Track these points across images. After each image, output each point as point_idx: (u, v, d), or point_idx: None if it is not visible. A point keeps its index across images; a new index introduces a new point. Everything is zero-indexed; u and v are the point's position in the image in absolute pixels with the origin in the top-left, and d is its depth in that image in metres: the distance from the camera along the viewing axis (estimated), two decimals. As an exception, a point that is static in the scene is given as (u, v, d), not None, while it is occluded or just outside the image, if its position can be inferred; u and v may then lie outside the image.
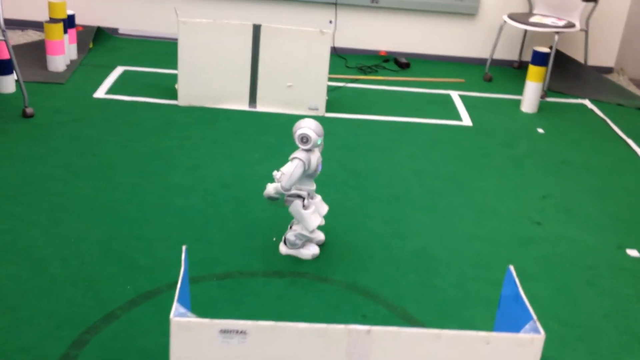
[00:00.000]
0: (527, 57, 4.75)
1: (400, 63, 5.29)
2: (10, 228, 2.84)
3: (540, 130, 4.35)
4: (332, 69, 4.96)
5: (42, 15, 4.76)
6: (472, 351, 1.69)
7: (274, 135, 3.92)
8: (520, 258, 2.97)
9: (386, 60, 5.39)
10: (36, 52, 4.73)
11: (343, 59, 5.33)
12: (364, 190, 3.41)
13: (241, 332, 1.65)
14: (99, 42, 5.23)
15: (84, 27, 5.31)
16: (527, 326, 1.75)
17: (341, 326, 1.65)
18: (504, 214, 3.31)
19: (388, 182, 3.51)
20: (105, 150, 3.59)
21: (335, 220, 3.09)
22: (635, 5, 5.48)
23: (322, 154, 3.72)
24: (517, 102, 4.75)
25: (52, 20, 4.50)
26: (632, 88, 5.33)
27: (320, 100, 4.23)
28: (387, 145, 3.94)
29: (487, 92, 4.97)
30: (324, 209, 2.87)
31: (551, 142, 4.19)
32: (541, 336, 1.69)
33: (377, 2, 5.32)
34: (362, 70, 5.14)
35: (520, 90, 4.74)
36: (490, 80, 5.20)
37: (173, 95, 4.27)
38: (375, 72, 5.12)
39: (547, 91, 4.95)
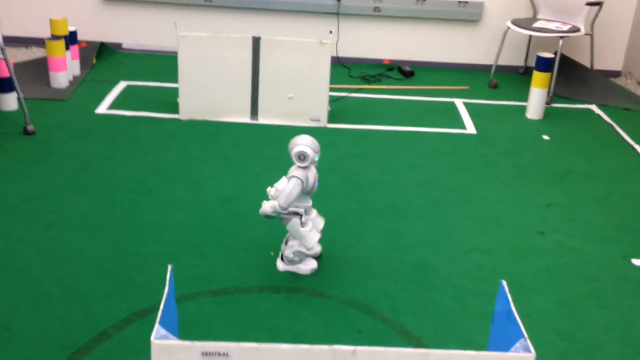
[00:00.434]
0: (533, 62, 4.70)
1: (404, 71, 5.25)
2: (6, 247, 2.84)
3: (546, 137, 4.29)
4: (335, 79, 4.95)
5: (46, 32, 4.78)
6: (459, 371, 1.64)
7: (274, 147, 3.90)
8: (522, 270, 2.91)
9: (390, 69, 5.35)
10: (39, 69, 4.75)
11: (346, 69, 5.30)
12: (364, 202, 3.38)
13: (223, 354, 1.62)
14: (103, 57, 5.24)
15: (88, 42, 5.33)
16: (518, 344, 1.70)
17: (326, 347, 1.61)
18: (507, 225, 3.26)
19: (389, 194, 3.47)
20: (105, 166, 3.58)
21: (334, 233, 3.06)
22: (642, 8, 5.41)
23: (323, 164, 3.71)
24: (523, 109, 4.69)
25: (54, 37, 4.51)
26: (641, 92, 5.26)
27: (321, 111, 4.20)
28: (389, 156, 3.90)
29: (492, 99, 4.92)
30: (321, 223, 2.84)
31: (556, 149, 4.13)
32: (531, 355, 1.65)
33: (379, 11, 5.30)
34: (366, 79, 5.11)
35: (526, 97, 4.69)
36: (495, 87, 5.15)
37: (175, 109, 4.26)
38: (378, 82, 5.09)
39: (553, 97, 4.89)
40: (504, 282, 1.85)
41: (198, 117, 4.21)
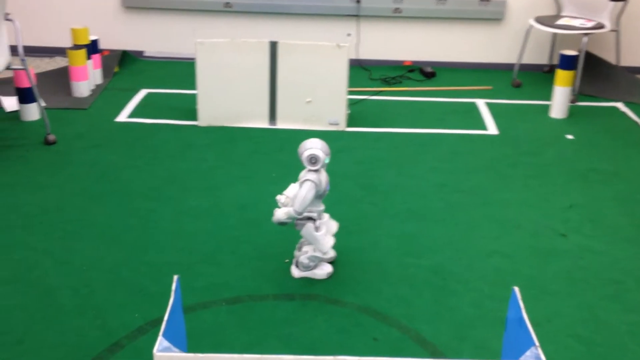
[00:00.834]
0: (557, 60, 4.62)
1: (425, 72, 5.20)
2: (23, 257, 2.86)
3: (570, 137, 4.20)
4: (356, 82, 4.92)
5: (68, 42, 4.83)
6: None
7: (292, 152, 3.84)
8: (542, 273, 2.85)
9: (411, 70, 5.30)
10: (62, 79, 4.80)
11: (367, 71, 5.27)
12: (380, 206, 3.34)
13: (224, 366, 1.60)
14: (125, 65, 5.28)
15: (111, 51, 5.38)
16: (528, 352, 1.66)
17: (330, 357, 1.59)
18: (527, 227, 3.19)
19: (406, 197, 3.43)
20: (123, 175, 3.60)
21: (349, 238, 3.03)
22: (670, 1, 5.28)
23: (340, 168, 3.68)
24: (547, 108, 4.61)
25: (75, 47, 4.56)
26: (670, 87, 5.13)
27: (340, 114, 4.18)
28: (407, 159, 3.86)
29: (515, 99, 4.84)
30: (334, 227, 2.81)
31: (580, 149, 4.04)
32: (541, 364, 1.60)
33: (400, 12, 5.25)
34: (386, 81, 5.07)
35: (550, 96, 4.60)
36: (518, 86, 5.07)
37: (194, 116, 4.27)
38: (399, 83, 5.05)
39: (578, 95, 4.80)
40: (517, 288, 1.80)
41: (217, 124, 4.22)
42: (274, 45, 4.07)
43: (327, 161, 2.67)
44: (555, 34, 5.28)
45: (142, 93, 4.75)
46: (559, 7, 5.21)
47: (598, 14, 4.95)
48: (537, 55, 5.41)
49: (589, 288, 2.76)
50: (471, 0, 5.22)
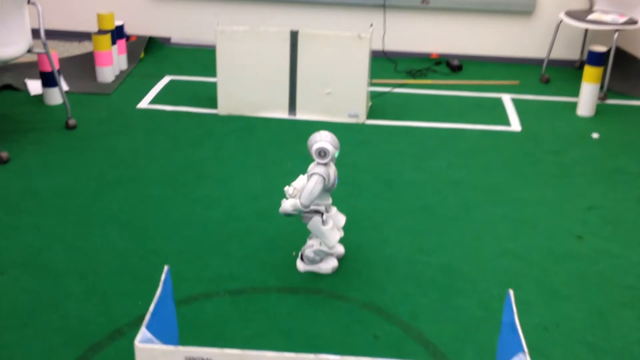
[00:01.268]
0: (587, 56, 4.51)
1: (452, 66, 5.12)
2: (34, 242, 2.89)
3: (595, 135, 4.10)
4: (380, 73, 4.87)
5: (96, 27, 4.87)
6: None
7: (310, 144, 3.85)
8: (554, 275, 2.78)
9: (438, 63, 5.23)
10: (87, 64, 4.84)
11: (393, 63, 5.21)
12: (394, 201, 3.30)
13: (207, 359, 1.59)
14: (151, 52, 5.30)
15: (138, 37, 5.40)
16: (515, 358, 1.61)
17: (311, 356, 1.56)
18: (543, 227, 3.12)
19: (421, 193, 3.38)
20: (140, 161, 3.61)
21: (360, 233, 3.00)
22: None
23: (356, 162, 3.65)
24: (574, 105, 4.50)
25: (100, 32, 4.59)
26: None
27: (360, 107, 4.13)
28: (426, 154, 3.80)
29: (543, 95, 4.74)
30: (342, 220, 2.78)
31: (605, 148, 3.94)
32: (529, 372, 1.56)
33: (427, 3, 5.17)
34: (411, 74, 5.00)
35: (579, 92, 4.49)
36: (547, 81, 4.96)
37: (215, 104, 4.27)
38: (424, 76, 4.98)
39: (608, 93, 4.68)
40: (511, 292, 1.76)
41: (236, 113, 4.21)
42: (294, 35, 4.03)
43: (336, 155, 2.64)
44: (587, 29, 5.15)
45: (166, 80, 4.77)
46: (591, 1, 5.07)
47: (631, 9, 4.81)
48: (568, 50, 5.29)
49: (602, 293, 2.69)
50: (502, -8, 5.13)
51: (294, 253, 2.85)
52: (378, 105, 4.39)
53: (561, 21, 4.84)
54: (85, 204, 3.19)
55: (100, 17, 4.61)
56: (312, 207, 2.67)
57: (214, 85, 4.52)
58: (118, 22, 4.82)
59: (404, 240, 2.99)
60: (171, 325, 1.87)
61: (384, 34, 5.27)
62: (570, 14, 4.83)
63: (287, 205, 2.68)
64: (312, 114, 4.18)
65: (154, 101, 4.40)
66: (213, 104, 4.29)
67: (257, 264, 2.79)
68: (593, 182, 3.54)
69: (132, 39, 5.33)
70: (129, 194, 3.28)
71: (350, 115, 4.15)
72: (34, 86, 4.45)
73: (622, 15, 4.79)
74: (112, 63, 4.68)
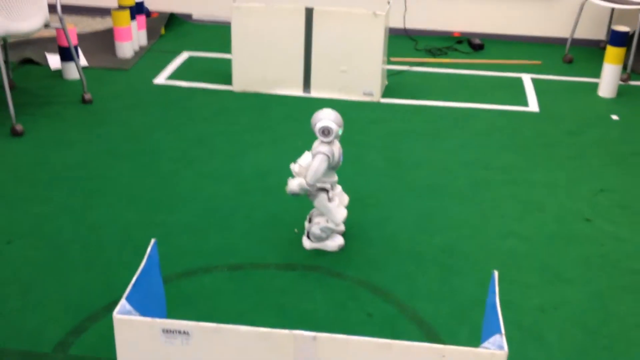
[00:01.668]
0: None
1: (473, 44, 5.05)
2: (43, 212, 2.94)
3: (615, 117, 4.01)
4: (399, 51, 4.83)
5: (116, 3, 4.90)
6: (424, 365, 1.57)
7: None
8: (558, 258, 2.75)
9: (459, 42, 5.15)
10: (108, 39, 4.88)
11: (413, 41, 5.15)
12: (402, 180, 3.28)
13: (184, 332, 1.61)
14: (172, 28, 5.32)
15: (160, 13, 5.42)
16: (492, 339, 1.60)
17: (286, 331, 1.57)
18: (551, 210, 3.08)
19: (430, 173, 3.35)
20: (153, 136, 3.64)
21: (364, 211, 2.99)
22: None
23: (368, 140, 3.63)
24: (596, 86, 4.41)
25: (120, 8, 4.62)
26: None
27: (375, 85, 4.10)
28: (439, 133, 3.76)
29: (564, 75, 4.65)
30: (345, 199, 2.78)
31: (624, 131, 3.86)
32: (503, 352, 1.54)
33: (450, -19, 5.09)
34: (431, 52, 4.94)
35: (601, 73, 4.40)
36: (570, 61, 4.86)
37: (230, 81, 4.27)
38: (444, 55, 4.92)
39: (632, 74, 4.57)
40: (496, 273, 1.74)
41: (251, 89, 4.21)
42: (309, 12, 4.01)
43: (340, 133, 2.63)
44: (613, 8, 5.03)
45: (184, 56, 4.79)
46: (620, -20, 4.94)
47: (660, -11, 4.67)
48: (593, 30, 5.17)
49: (605, 277, 2.65)
50: (527, -30, 5.02)
51: (296, 230, 2.86)
52: (395, 84, 4.35)
53: (586, 0, 4.73)
54: (94, 177, 3.23)
55: (120, -7, 4.64)
56: (318, 185, 2.67)
57: (230, 62, 4.53)
58: (138, -2, 4.84)
59: (407, 219, 2.97)
60: (157, 298, 1.89)
61: (405, 11, 5.21)
62: (596, -8, 4.72)
63: (294, 185, 2.67)
64: (326, 91, 4.17)
65: (171, 77, 4.43)
66: (229, 80, 4.29)
67: (258, 240, 2.80)
68: (607, 165, 3.48)
69: (154, 15, 5.36)
70: (138, 168, 3.32)
71: (365, 94, 4.13)
72: (54, 60, 4.51)
73: (649, -6, 4.66)
74: (132, 39, 4.71)
